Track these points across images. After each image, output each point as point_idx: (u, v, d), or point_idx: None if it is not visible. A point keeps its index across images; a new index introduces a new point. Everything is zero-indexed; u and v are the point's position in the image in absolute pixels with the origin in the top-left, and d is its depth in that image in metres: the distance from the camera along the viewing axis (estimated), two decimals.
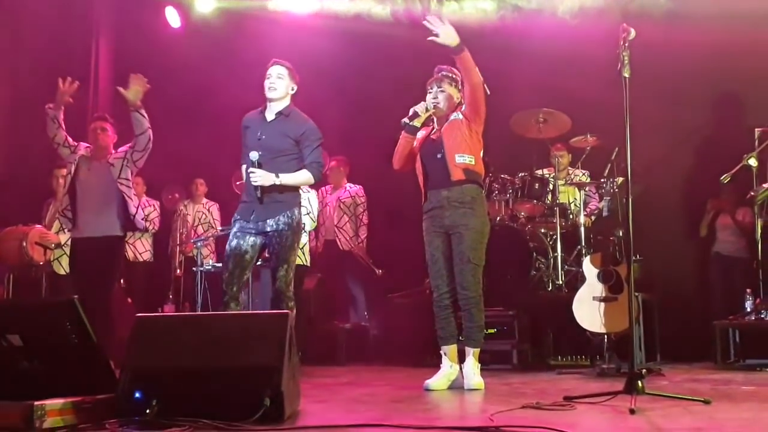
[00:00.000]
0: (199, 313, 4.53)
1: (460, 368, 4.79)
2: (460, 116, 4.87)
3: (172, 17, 8.75)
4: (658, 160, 7.19)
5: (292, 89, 5.05)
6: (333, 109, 7.90)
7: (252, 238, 4.89)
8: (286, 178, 4.87)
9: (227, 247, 4.94)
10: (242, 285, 4.95)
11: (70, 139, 5.84)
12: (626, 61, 4.03)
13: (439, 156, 4.82)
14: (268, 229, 4.89)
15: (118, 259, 5.91)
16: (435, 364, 5.00)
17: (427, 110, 4.85)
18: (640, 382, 3.77)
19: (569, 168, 7.37)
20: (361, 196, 8.03)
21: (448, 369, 4.79)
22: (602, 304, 5.71)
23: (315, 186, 6.66)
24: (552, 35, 7.71)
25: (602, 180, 6.25)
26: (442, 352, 4.86)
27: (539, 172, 7.08)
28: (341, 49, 8.28)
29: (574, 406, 3.62)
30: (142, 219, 5.94)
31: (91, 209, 5.72)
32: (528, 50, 7.63)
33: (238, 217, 4.99)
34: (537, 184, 6.83)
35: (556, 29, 7.79)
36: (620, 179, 6.18)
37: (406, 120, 4.85)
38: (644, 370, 5.42)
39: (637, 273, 6.59)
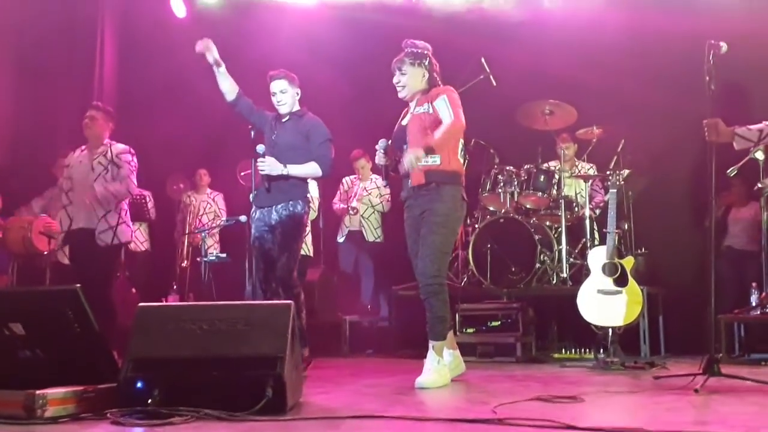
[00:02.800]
0: (202, 302, 4.52)
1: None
2: (429, 109, 4.48)
3: (178, 7, 8.72)
4: (664, 152, 7.17)
5: (297, 94, 5.26)
6: (346, 99, 7.91)
7: (269, 235, 5.12)
8: (294, 169, 5.07)
9: (252, 246, 5.25)
10: (277, 280, 5.07)
11: None
12: (712, 76, 4.12)
13: (406, 148, 4.48)
14: (273, 221, 5.11)
15: (111, 250, 5.78)
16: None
17: (384, 152, 4.58)
18: (716, 366, 3.97)
19: (575, 160, 7.34)
20: (386, 187, 8.04)
21: (449, 358, 4.62)
22: (606, 297, 5.69)
23: (335, 177, 6.70)
24: (559, 25, 7.68)
25: (608, 172, 6.21)
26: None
27: (545, 165, 7.05)
28: (351, 39, 8.24)
29: (583, 399, 3.59)
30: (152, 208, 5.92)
31: (82, 201, 5.68)
32: (534, 40, 7.59)
33: (254, 209, 5.26)
34: (542, 176, 6.80)
35: (564, 19, 7.76)
36: (626, 172, 6.15)
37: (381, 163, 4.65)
38: (647, 364, 5.48)
39: (642, 266, 6.57)
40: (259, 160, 5.05)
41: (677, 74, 6.86)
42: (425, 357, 4.46)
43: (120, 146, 5.85)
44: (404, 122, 4.65)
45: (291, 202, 5.10)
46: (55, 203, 6.81)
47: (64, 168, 5.95)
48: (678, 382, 4.11)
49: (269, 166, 5.02)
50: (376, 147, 4.63)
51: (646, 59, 7.34)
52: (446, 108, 4.41)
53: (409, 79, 4.58)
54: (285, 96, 5.19)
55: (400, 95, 4.65)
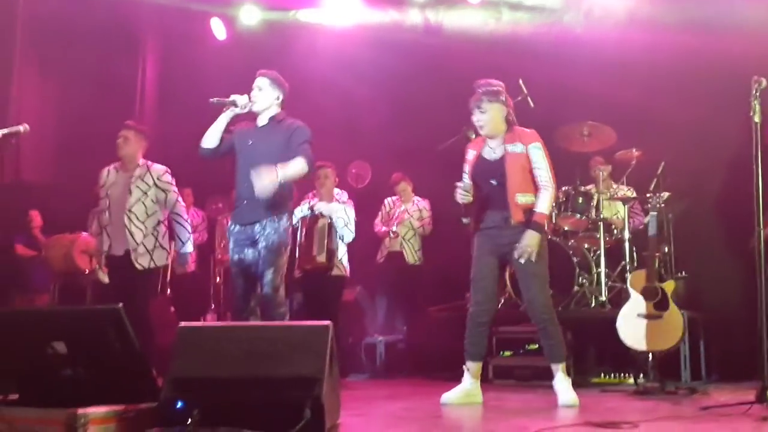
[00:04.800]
0: (241, 322, 4.53)
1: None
2: (524, 150, 4.74)
3: (218, 29, 8.84)
4: (704, 174, 7.08)
5: (278, 98, 5.02)
6: (385, 121, 7.95)
7: (250, 251, 4.87)
8: (283, 171, 4.67)
9: (231, 263, 5.01)
10: (257, 297, 4.92)
11: None
12: (757, 109, 4.31)
13: (495, 183, 4.74)
14: (257, 235, 4.84)
15: (148, 273, 5.79)
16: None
17: (467, 192, 4.71)
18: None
19: (611, 182, 7.28)
20: (427, 209, 8.08)
21: (468, 385, 4.75)
22: (646, 321, 5.61)
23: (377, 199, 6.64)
24: (597, 46, 7.65)
25: (648, 195, 6.14)
26: (465, 367, 4.80)
27: (583, 187, 6.99)
28: (388, 60, 8.28)
29: (623, 425, 3.53)
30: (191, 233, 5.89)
31: (119, 222, 5.71)
32: (572, 62, 7.57)
33: (231, 223, 5.00)
34: (581, 198, 6.75)
35: (601, 40, 7.73)
36: (666, 194, 6.08)
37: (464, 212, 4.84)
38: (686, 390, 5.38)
39: (683, 290, 6.47)
40: (254, 177, 4.62)
41: (717, 97, 6.78)
42: (459, 378, 4.52)
43: (159, 167, 5.84)
44: (492, 157, 4.80)
45: (275, 217, 4.82)
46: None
47: (100, 188, 5.92)
48: (728, 411, 4.03)
49: (266, 179, 4.60)
50: (459, 185, 4.73)
51: (685, 80, 7.26)
52: (543, 162, 4.76)
53: (490, 117, 4.75)
54: (260, 94, 4.96)
55: (482, 132, 4.82)
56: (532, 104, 6.66)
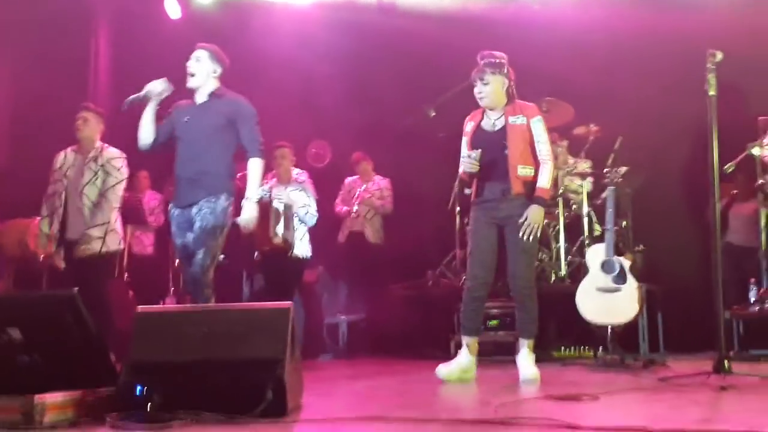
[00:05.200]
0: (199, 305, 4.47)
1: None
2: (525, 121, 4.70)
3: (172, 8, 8.68)
4: (662, 149, 7.17)
5: (215, 72, 4.82)
6: (344, 100, 7.89)
7: (190, 234, 4.70)
8: (252, 190, 4.71)
9: (175, 248, 4.91)
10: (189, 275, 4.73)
11: None
12: (713, 83, 4.33)
13: (496, 154, 4.65)
14: (193, 217, 4.67)
15: (102, 257, 5.63)
16: (441, 357, 4.96)
17: (478, 163, 4.62)
18: (726, 363, 4.07)
19: (568, 156, 7.32)
20: (388, 188, 8.03)
21: (465, 360, 4.69)
22: (606, 295, 5.67)
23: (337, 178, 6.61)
24: (555, 23, 7.67)
25: (606, 170, 6.19)
26: (464, 342, 4.74)
27: None
28: (347, 39, 8.21)
29: (584, 398, 3.56)
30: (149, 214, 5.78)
31: (74, 206, 5.58)
32: (530, 38, 7.57)
33: (171, 205, 4.87)
34: None
35: (559, 16, 7.75)
36: (624, 168, 6.13)
37: (467, 190, 4.83)
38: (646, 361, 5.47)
39: (641, 263, 6.56)
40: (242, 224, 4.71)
41: (673, 72, 6.86)
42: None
43: (113, 151, 5.69)
44: (494, 128, 4.73)
45: (213, 197, 4.63)
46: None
47: (55, 171, 5.76)
48: (686, 382, 4.10)
49: (247, 214, 4.69)
50: (471, 154, 4.64)
51: (642, 55, 7.34)
52: (544, 136, 4.73)
53: (492, 89, 4.69)
54: (197, 65, 4.76)
55: (483, 104, 4.75)
56: (544, 108, 6.67)
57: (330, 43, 8.13)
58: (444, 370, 4.64)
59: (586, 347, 6.57)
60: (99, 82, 8.66)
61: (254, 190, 4.74)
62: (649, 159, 6.95)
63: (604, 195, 6.32)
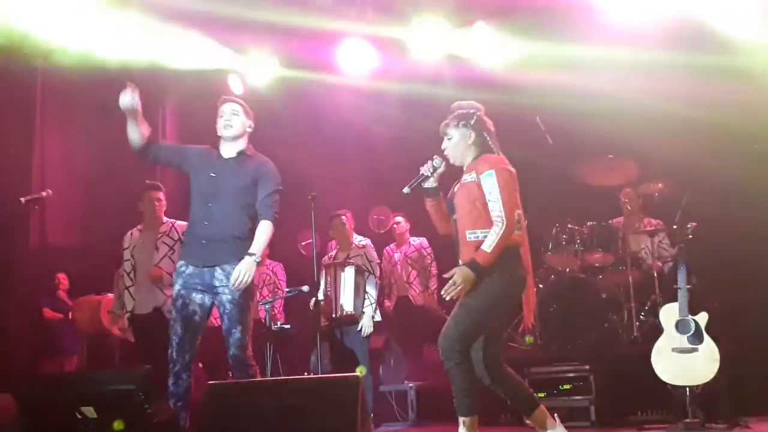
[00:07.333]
0: (270, 378, 4.47)
1: None
2: (474, 177, 4.03)
3: (235, 84, 8.92)
4: (732, 201, 6.99)
5: (250, 127, 4.67)
6: (398, 169, 7.94)
7: (199, 296, 4.42)
8: (256, 247, 4.40)
9: (172, 307, 4.45)
10: (195, 351, 4.41)
11: None
12: None
13: (454, 218, 4.17)
14: (216, 283, 4.40)
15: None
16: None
17: (434, 168, 4.18)
18: None
19: (641, 215, 7.20)
20: (426, 248, 7.98)
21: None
22: (682, 355, 5.49)
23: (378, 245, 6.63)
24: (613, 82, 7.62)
25: (674, 227, 6.06)
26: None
27: (604, 222, 6.91)
28: (397, 113, 8.31)
29: None
30: None
31: (145, 282, 5.78)
32: (590, 96, 7.54)
33: (182, 263, 4.50)
34: (606, 233, 6.68)
35: (619, 75, 7.69)
36: (692, 225, 5.99)
37: (406, 189, 4.19)
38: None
39: (716, 322, 6.34)
40: (233, 278, 4.29)
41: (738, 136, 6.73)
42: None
43: (184, 224, 5.90)
44: (455, 190, 4.21)
45: (238, 262, 4.34)
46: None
47: (124, 250, 6.02)
48: None
49: (245, 272, 4.29)
50: (434, 158, 4.18)
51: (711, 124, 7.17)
52: (495, 193, 3.94)
53: (453, 144, 4.16)
54: (236, 119, 4.59)
55: (451, 161, 4.22)
56: (551, 141, 6.65)
57: (378, 116, 8.24)
58: None
59: (665, 411, 6.35)
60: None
61: (259, 248, 4.41)
62: (717, 214, 6.78)
63: (674, 252, 6.18)
